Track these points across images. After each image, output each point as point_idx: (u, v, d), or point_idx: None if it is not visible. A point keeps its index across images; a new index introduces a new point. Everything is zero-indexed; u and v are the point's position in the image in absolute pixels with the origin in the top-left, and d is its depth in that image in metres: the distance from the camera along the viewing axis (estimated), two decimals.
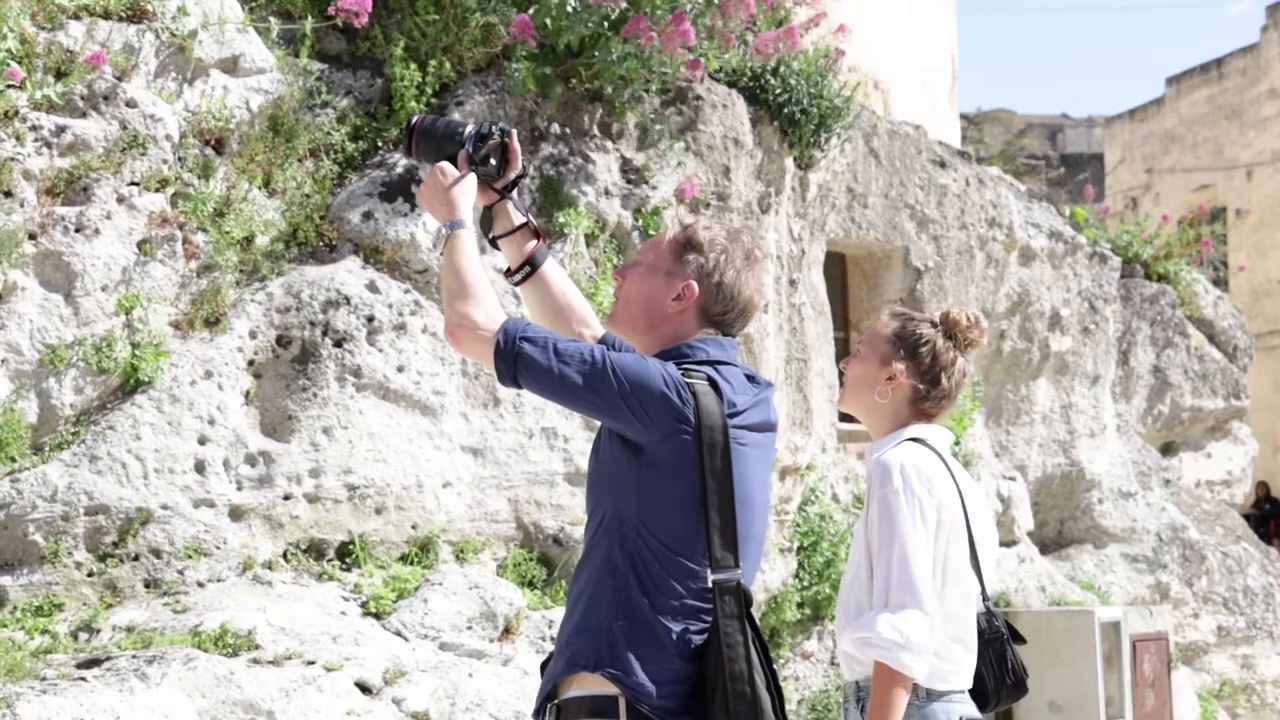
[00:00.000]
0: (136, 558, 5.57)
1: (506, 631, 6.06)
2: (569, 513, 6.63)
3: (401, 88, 6.66)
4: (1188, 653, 11.15)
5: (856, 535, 3.48)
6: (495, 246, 3.50)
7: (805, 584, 8.07)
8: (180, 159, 6.01)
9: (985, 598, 3.57)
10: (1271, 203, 25.00)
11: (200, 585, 5.65)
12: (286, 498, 5.97)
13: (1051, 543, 11.20)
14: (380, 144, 6.71)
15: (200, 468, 5.77)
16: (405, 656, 5.58)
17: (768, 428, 3.18)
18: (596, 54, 6.90)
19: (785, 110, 7.91)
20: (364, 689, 5.34)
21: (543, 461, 6.68)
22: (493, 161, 3.40)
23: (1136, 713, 8.80)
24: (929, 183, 10.11)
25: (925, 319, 3.60)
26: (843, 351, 9.36)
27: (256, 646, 5.30)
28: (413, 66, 6.67)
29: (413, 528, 6.28)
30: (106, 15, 5.97)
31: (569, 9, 6.69)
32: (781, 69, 7.84)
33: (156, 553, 5.61)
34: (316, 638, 5.47)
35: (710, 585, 3.01)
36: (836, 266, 9.95)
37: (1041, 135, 41.49)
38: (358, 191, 6.52)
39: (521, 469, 6.61)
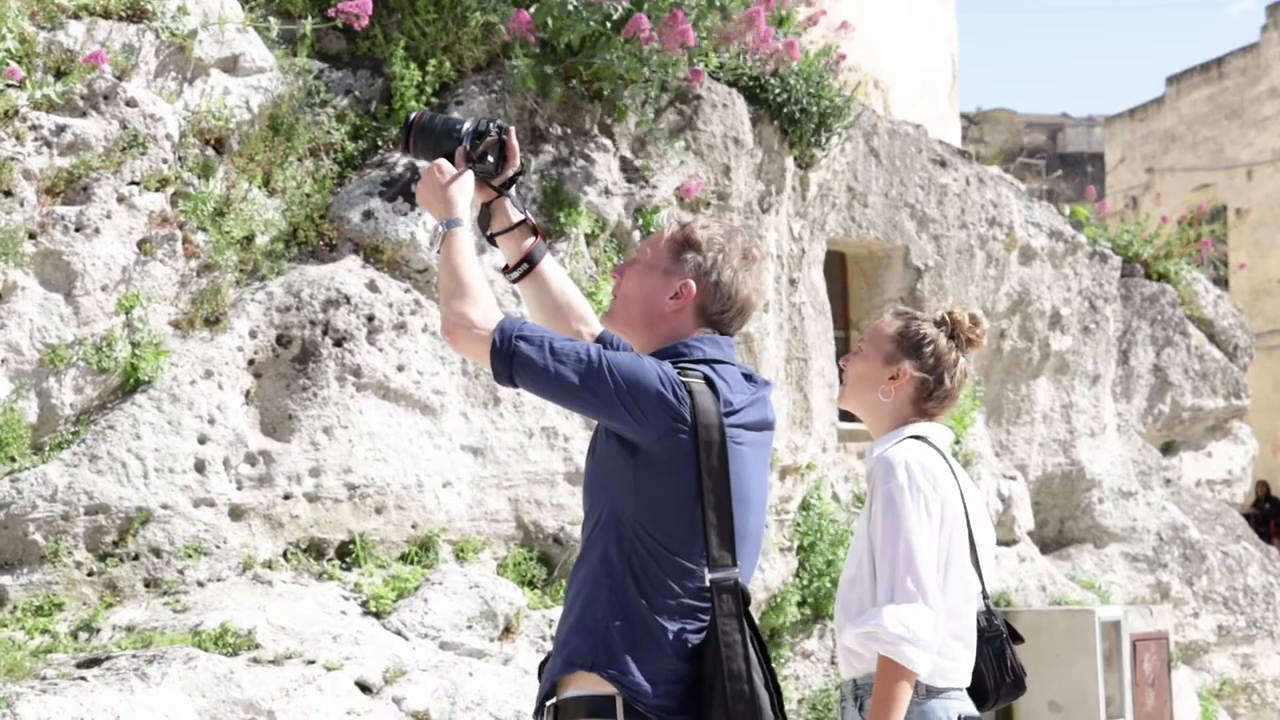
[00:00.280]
0: (136, 557, 5.57)
1: (507, 631, 6.06)
2: (569, 512, 6.63)
3: (401, 87, 6.66)
4: (1188, 652, 11.15)
5: (858, 532, 3.48)
6: (493, 243, 3.50)
7: (805, 583, 8.07)
8: (180, 158, 6.01)
9: (985, 596, 3.57)
10: (1272, 202, 24.99)
11: (200, 585, 5.64)
12: (286, 497, 5.97)
13: (1052, 542, 11.20)
14: (380, 143, 6.71)
15: (200, 467, 5.77)
16: (405, 656, 5.58)
17: (765, 426, 3.18)
18: (597, 54, 6.90)
19: (785, 109, 7.91)
20: (364, 688, 5.34)
21: (543, 461, 6.67)
22: (490, 159, 3.40)
23: (1137, 712, 8.79)
24: (929, 182, 10.11)
25: (928, 318, 3.60)
26: (843, 350, 9.36)
27: (257, 646, 5.30)
28: (413, 65, 6.67)
29: (413, 527, 6.28)
30: (106, 15, 5.97)
31: (569, 8, 6.69)
32: (781, 69, 7.84)
33: (156, 552, 5.61)
34: (317, 637, 5.47)
35: (707, 584, 3.00)
36: (837, 266, 9.95)
37: (1042, 134, 41.49)
38: (358, 191, 6.52)
39: (522, 468, 6.61)
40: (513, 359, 3.04)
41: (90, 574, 5.49)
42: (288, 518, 5.98)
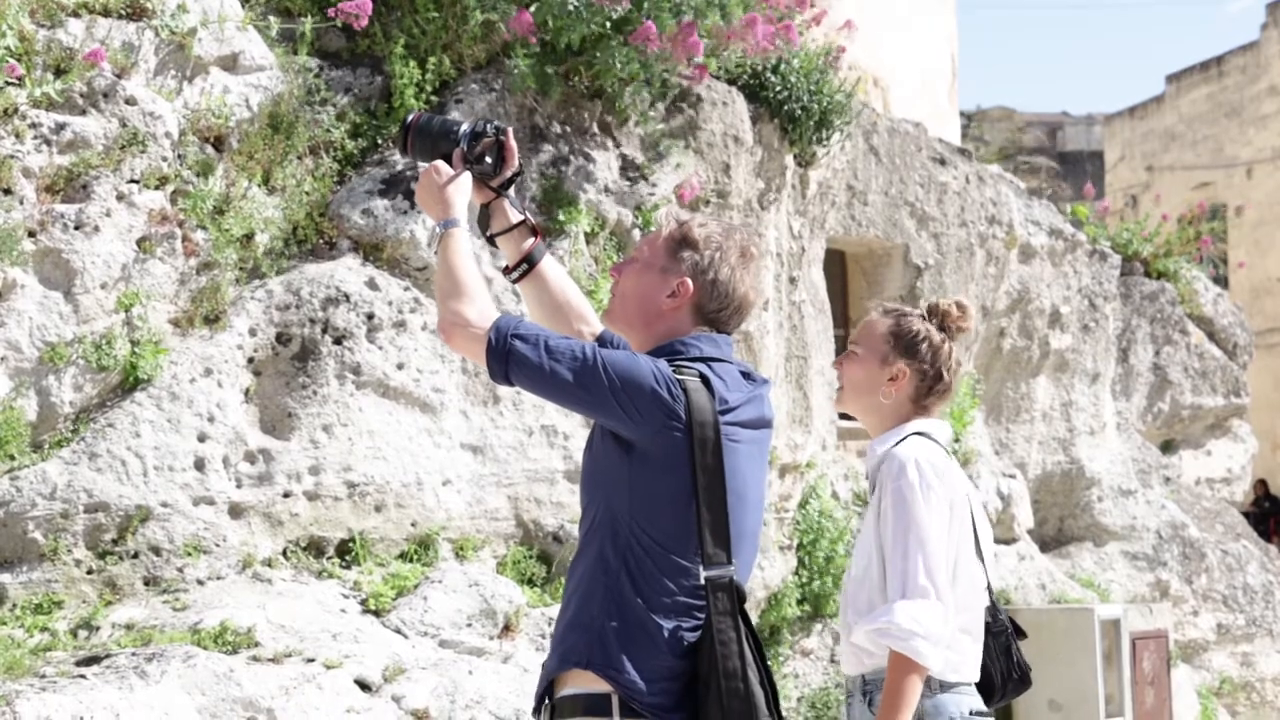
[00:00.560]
0: (136, 555, 5.57)
1: (506, 629, 6.06)
2: (569, 510, 6.63)
3: (401, 85, 6.66)
4: (1187, 650, 11.15)
5: (865, 530, 3.48)
6: (493, 244, 3.50)
7: (805, 581, 8.08)
8: (180, 156, 6.01)
9: (990, 591, 3.59)
10: (1271, 200, 25.00)
11: (200, 583, 5.64)
12: (286, 495, 5.97)
13: (1051, 540, 11.21)
14: (380, 141, 6.71)
15: (200, 465, 5.77)
16: (405, 654, 5.58)
17: (762, 424, 3.18)
18: (598, 54, 6.90)
19: (785, 108, 7.90)
20: (363, 686, 5.34)
21: (542, 459, 6.68)
22: (488, 159, 3.40)
23: (1136, 710, 8.80)
24: (929, 180, 10.11)
25: (916, 313, 3.60)
26: (843, 348, 9.35)
27: (256, 644, 5.30)
28: (412, 64, 6.67)
29: (412, 525, 6.28)
30: (106, 13, 5.97)
31: (570, 8, 6.69)
32: (782, 66, 7.84)
33: (156, 550, 5.61)
34: (316, 635, 5.47)
35: (703, 582, 3.01)
36: (836, 264, 9.95)
37: (1041, 133, 41.47)
38: (358, 189, 6.52)
39: (521, 466, 6.61)
40: (508, 357, 3.04)
41: (90, 572, 5.49)
42: (287, 516, 5.98)
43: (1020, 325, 10.96)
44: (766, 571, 7.63)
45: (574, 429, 6.73)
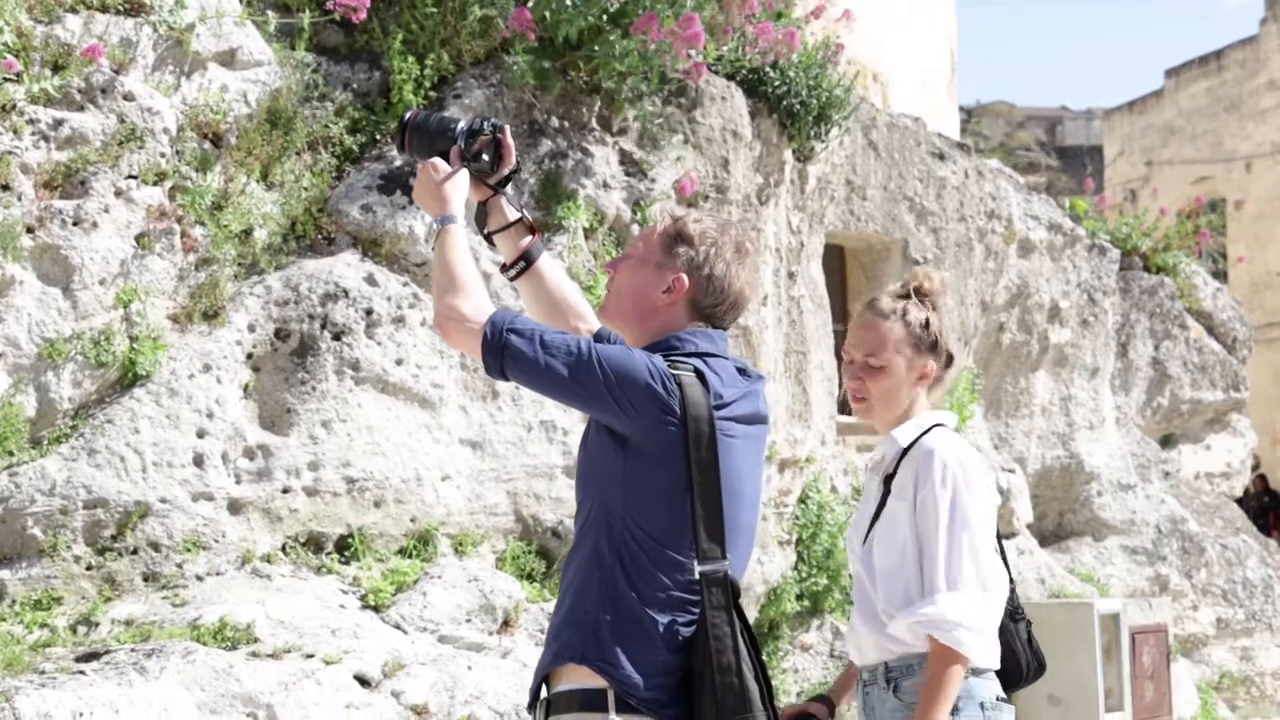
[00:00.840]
0: (135, 551, 5.57)
1: (505, 624, 6.06)
2: (568, 505, 6.63)
3: (400, 81, 6.66)
4: (1187, 645, 11.15)
5: (895, 521, 3.42)
6: (490, 242, 3.51)
7: (804, 576, 8.08)
8: (178, 152, 6.01)
9: (1011, 580, 3.60)
10: (1271, 195, 24.99)
11: (199, 579, 5.65)
12: (285, 491, 5.97)
13: (1050, 535, 11.21)
14: (378, 137, 6.71)
15: (199, 461, 5.77)
16: (404, 649, 5.58)
17: (757, 420, 3.18)
18: (597, 48, 6.89)
19: (784, 102, 7.90)
20: (363, 682, 5.34)
21: (541, 454, 6.68)
22: (485, 157, 3.41)
23: (1135, 704, 8.80)
24: (928, 175, 10.10)
25: (910, 303, 3.52)
26: (841, 345, 9.34)
27: (255, 640, 5.30)
28: (411, 59, 6.66)
29: (411, 521, 6.28)
30: (104, 9, 5.96)
31: (568, 2, 6.68)
32: (781, 61, 7.83)
33: (155, 546, 5.61)
34: (315, 631, 5.47)
35: (697, 577, 3.01)
36: (835, 259, 9.94)
37: (1040, 127, 41.47)
38: (356, 184, 6.51)
39: (520, 462, 6.61)
40: (504, 352, 3.05)
41: (89, 568, 5.49)
42: (286, 511, 5.98)
43: (1019, 320, 10.96)
44: (766, 566, 7.63)
45: (573, 424, 6.73)
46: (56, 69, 5.75)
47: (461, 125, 3.40)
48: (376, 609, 5.82)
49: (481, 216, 3.49)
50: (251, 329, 6.05)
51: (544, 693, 3.13)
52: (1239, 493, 13.44)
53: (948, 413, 3.60)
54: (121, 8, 6.02)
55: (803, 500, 8.18)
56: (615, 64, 6.88)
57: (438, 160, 3.35)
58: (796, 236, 8.46)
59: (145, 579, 5.58)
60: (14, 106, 5.56)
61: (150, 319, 5.80)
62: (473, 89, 6.85)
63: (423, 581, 6.00)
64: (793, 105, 7.91)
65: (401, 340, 6.34)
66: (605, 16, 6.82)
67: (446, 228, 3.23)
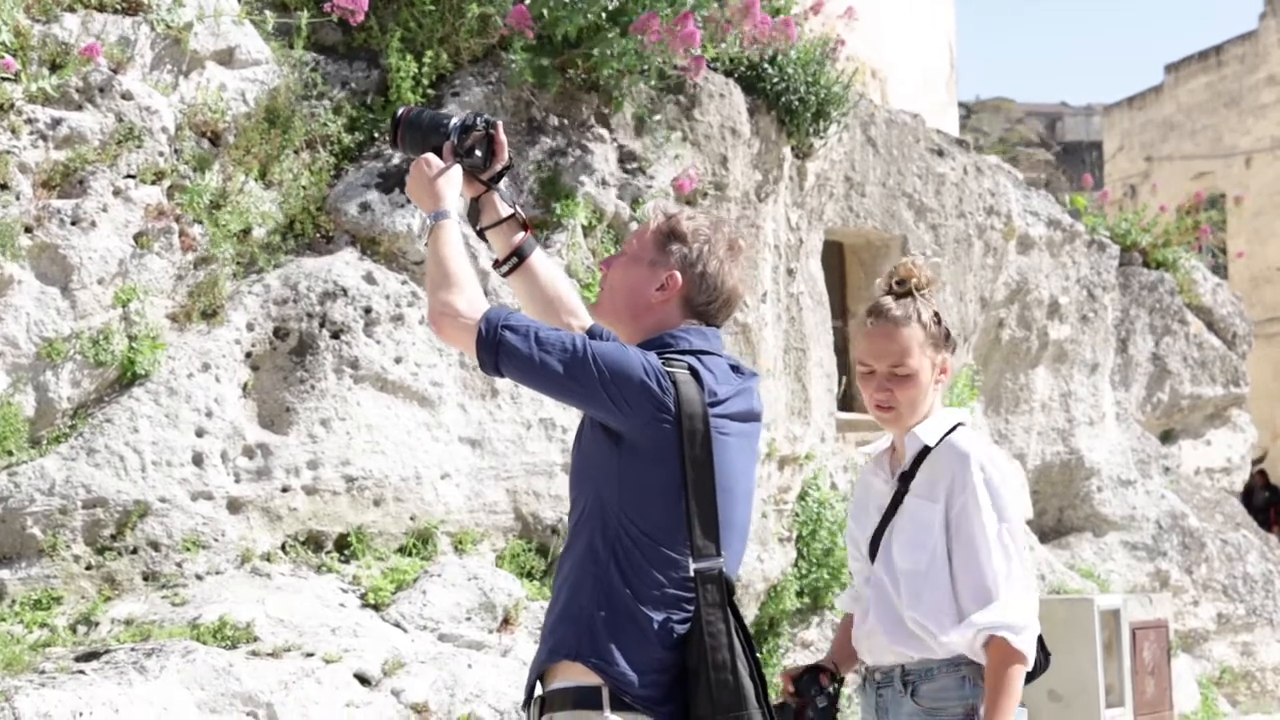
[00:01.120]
0: (135, 550, 5.57)
1: (505, 622, 6.06)
2: (567, 503, 6.59)
3: (398, 79, 6.65)
4: (1187, 640, 11.15)
5: (920, 523, 3.37)
6: (483, 238, 3.51)
7: (804, 573, 8.07)
8: (176, 151, 6.00)
9: None
10: (1270, 190, 24.97)
11: (199, 578, 5.65)
12: (284, 490, 5.97)
13: (1051, 531, 11.21)
14: (377, 135, 6.70)
15: (198, 460, 5.77)
16: (404, 648, 5.58)
17: (751, 417, 3.18)
18: (595, 45, 6.89)
19: (783, 99, 7.89)
20: (363, 680, 5.34)
21: (541, 452, 6.67)
22: (478, 153, 3.41)
23: (1136, 700, 8.80)
24: (927, 171, 10.10)
25: (920, 302, 3.47)
26: (841, 342, 9.35)
27: (255, 639, 5.30)
28: (409, 57, 6.66)
29: (411, 519, 6.28)
30: (101, 8, 5.96)
31: (566, 0, 6.68)
32: (779, 58, 7.83)
33: (155, 545, 5.61)
34: (315, 629, 5.47)
35: (692, 574, 3.01)
36: (835, 255, 9.94)
37: (1040, 123, 41.44)
38: (355, 183, 6.51)
39: (520, 460, 6.61)
40: (498, 348, 3.04)
41: (88, 567, 5.49)
42: (286, 510, 5.98)
43: (1019, 316, 10.96)
44: (765, 564, 7.63)
45: (572, 422, 6.73)
46: (54, 68, 5.74)
47: (454, 121, 3.41)
48: (376, 607, 5.82)
49: (474, 213, 3.49)
50: (250, 328, 6.04)
51: (539, 690, 3.13)
52: (1239, 488, 13.44)
53: (963, 410, 3.57)
54: (119, 7, 6.02)
55: (802, 497, 8.18)
56: (613, 62, 6.88)
57: (430, 156, 3.35)
58: (795, 233, 8.46)
59: (145, 578, 5.58)
60: (12, 106, 5.56)
61: (149, 318, 5.79)
62: (471, 87, 6.85)
63: (422, 580, 6.00)
64: (791, 102, 7.91)
65: (400, 338, 6.34)
66: (604, 14, 6.82)
67: (440, 223, 3.23)
